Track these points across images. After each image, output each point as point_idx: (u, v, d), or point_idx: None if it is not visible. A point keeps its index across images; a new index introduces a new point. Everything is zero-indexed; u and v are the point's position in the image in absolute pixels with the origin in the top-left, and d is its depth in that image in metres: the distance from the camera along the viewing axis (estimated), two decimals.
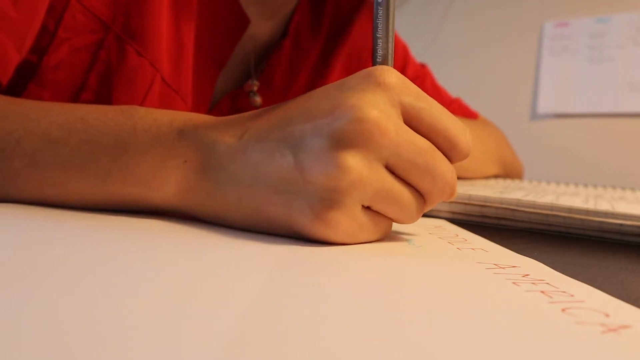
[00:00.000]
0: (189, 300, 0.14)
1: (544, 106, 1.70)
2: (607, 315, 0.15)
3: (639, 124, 1.56)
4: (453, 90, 0.71)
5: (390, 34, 0.25)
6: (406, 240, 0.26)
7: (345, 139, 0.22)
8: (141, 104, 0.39)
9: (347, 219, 0.22)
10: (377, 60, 0.25)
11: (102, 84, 0.38)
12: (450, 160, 0.25)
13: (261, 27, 0.50)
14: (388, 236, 0.26)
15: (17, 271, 0.16)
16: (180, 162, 0.25)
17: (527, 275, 0.20)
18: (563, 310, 0.15)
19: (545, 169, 1.57)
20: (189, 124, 0.26)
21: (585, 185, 0.67)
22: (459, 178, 0.61)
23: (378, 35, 0.25)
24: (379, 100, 0.23)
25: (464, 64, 1.81)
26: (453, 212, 0.38)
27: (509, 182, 0.63)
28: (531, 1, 1.73)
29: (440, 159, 0.24)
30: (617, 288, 0.21)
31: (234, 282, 0.16)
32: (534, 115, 1.73)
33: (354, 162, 0.22)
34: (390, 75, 0.23)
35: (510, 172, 0.74)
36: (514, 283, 0.19)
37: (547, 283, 0.19)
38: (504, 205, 0.36)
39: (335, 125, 0.22)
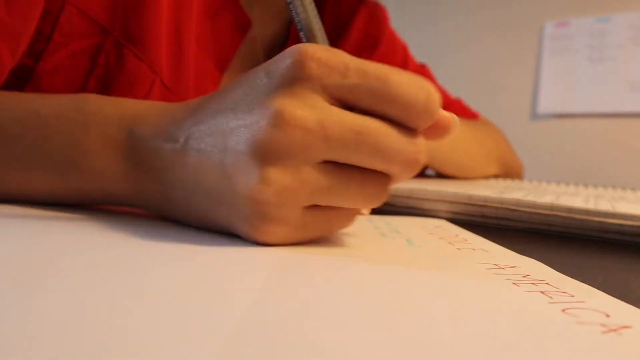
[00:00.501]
0: (187, 303, 0.14)
1: (544, 106, 1.70)
2: (607, 316, 0.15)
3: (639, 124, 1.56)
4: (453, 90, 0.71)
5: (308, 5, 0.24)
6: (406, 240, 0.26)
7: (266, 150, 0.20)
8: None
9: (284, 228, 0.21)
10: (301, 31, 0.24)
11: (101, 89, 0.37)
12: (415, 126, 0.22)
13: (263, 29, 0.49)
14: (353, 221, 0.24)
15: (17, 273, 0.16)
16: (132, 164, 0.25)
17: (527, 275, 0.20)
18: (563, 310, 0.15)
19: (545, 168, 1.57)
20: (137, 121, 0.25)
21: (586, 185, 0.67)
22: (458, 178, 0.61)
23: (294, 7, 0.24)
24: (298, 94, 0.21)
25: (464, 63, 1.81)
26: (453, 212, 0.38)
27: (509, 182, 0.63)
28: (532, 1, 1.73)
29: (389, 135, 0.21)
30: (617, 288, 0.21)
31: (229, 286, 0.16)
32: (534, 115, 1.73)
33: (276, 174, 0.20)
34: (306, 59, 0.21)
35: (510, 172, 0.73)
36: (514, 283, 0.19)
37: (547, 283, 0.19)
38: (504, 205, 0.36)
39: (255, 134, 0.20)
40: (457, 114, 0.24)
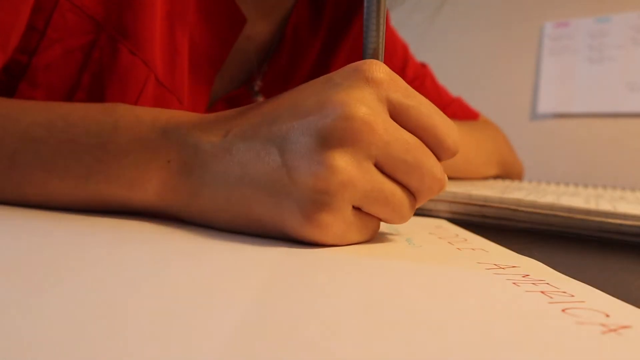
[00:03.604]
0: (186, 303, 0.14)
1: (544, 106, 1.70)
2: (607, 316, 0.15)
3: (639, 124, 1.56)
4: (453, 90, 0.71)
5: (382, 26, 0.25)
6: (406, 240, 0.26)
7: (333, 137, 0.21)
8: (135, 103, 0.38)
9: (338, 221, 0.22)
10: (368, 53, 0.25)
11: (95, 84, 0.37)
12: (438, 157, 0.24)
13: (258, 28, 0.49)
14: (375, 236, 0.25)
15: (17, 274, 0.16)
16: (164, 162, 0.25)
17: (527, 275, 0.20)
18: (563, 310, 0.15)
19: (545, 168, 1.57)
20: (172, 122, 0.25)
21: (586, 186, 0.67)
22: (457, 179, 0.61)
23: (369, 28, 0.25)
24: (367, 96, 0.22)
25: (464, 63, 1.81)
26: (453, 212, 0.38)
27: (509, 182, 0.63)
28: (531, 1, 1.73)
29: (427, 154, 0.23)
30: (617, 288, 0.21)
31: (228, 289, 0.16)
32: (534, 115, 1.73)
33: (343, 162, 0.21)
34: (378, 70, 0.23)
35: (510, 173, 0.73)
36: (514, 283, 0.19)
37: (547, 283, 0.19)
38: (504, 205, 0.36)
39: (323, 122, 0.21)
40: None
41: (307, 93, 0.23)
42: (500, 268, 0.21)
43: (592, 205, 0.35)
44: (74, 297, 0.14)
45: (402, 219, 0.24)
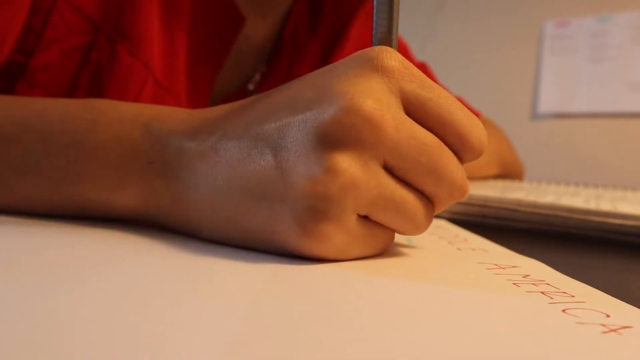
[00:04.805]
0: (183, 308, 0.14)
1: (544, 106, 1.70)
2: (607, 316, 0.15)
3: (639, 124, 1.56)
4: (453, 89, 0.71)
5: (395, 8, 0.22)
6: (406, 240, 0.26)
7: (334, 134, 0.18)
8: None
9: (340, 232, 0.19)
10: (377, 37, 0.22)
11: (93, 85, 0.37)
12: (461, 159, 0.21)
13: (258, 28, 0.49)
14: (388, 250, 0.22)
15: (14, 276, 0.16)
16: (144, 163, 0.22)
17: (528, 275, 0.20)
18: (564, 310, 0.15)
19: (545, 169, 1.57)
20: (156, 119, 0.23)
21: (586, 186, 0.67)
22: None
23: (379, 9, 0.21)
24: (376, 87, 0.19)
25: (464, 63, 1.81)
26: (453, 212, 0.38)
27: (509, 182, 0.63)
28: (532, 1, 1.73)
29: (447, 156, 0.20)
30: (617, 288, 0.21)
31: (226, 292, 0.16)
32: (534, 115, 1.73)
33: (345, 163, 0.18)
34: (390, 57, 0.20)
35: (510, 173, 0.73)
36: (514, 284, 0.18)
37: (548, 284, 0.19)
38: (504, 206, 0.36)
39: (322, 118, 0.19)
40: None
41: (306, 85, 0.21)
42: (501, 268, 0.21)
43: (592, 205, 0.35)
44: (72, 299, 0.14)
45: (418, 229, 0.21)
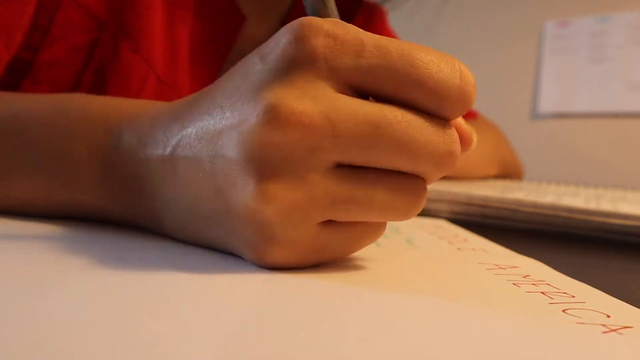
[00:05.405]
0: (181, 313, 0.14)
1: (544, 106, 1.70)
2: (608, 316, 0.15)
3: (639, 124, 1.56)
4: None
5: None
6: (406, 240, 0.26)
7: (259, 156, 0.16)
8: None
9: (294, 251, 0.17)
10: (308, 5, 0.19)
11: (96, 82, 0.38)
12: (443, 115, 0.18)
13: (259, 28, 0.49)
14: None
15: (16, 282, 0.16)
16: (120, 179, 0.22)
17: (528, 275, 0.20)
18: (564, 311, 0.15)
19: (545, 168, 1.57)
20: (126, 126, 0.22)
21: (586, 186, 0.67)
22: (457, 179, 0.61)
23: None
24: (297, 79, 0.16)
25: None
26: (453, 212, 0.38)
27: (509, 182, 0.63)
28: (532, 0, 1.73)
29: (415, 125, 0.17)
30: (618, 289, 0.21)
31: (222, 299, 0.16)
32: (535, 115, 1.73)
33: (276, 187, 0.16)
34: (313, 34, 0.16)
35: (510, 173, 0.73)
36: (514, 284, 0.18)
37: (548, 284, 0.19)
38: (504, 205, 0.36)
39: (244, 136, 0.16)
40: None
41: (231, 84, 0.18)
42: (501, 268, 0.21)
43: (592, 205, 0.35)
44: (72, 298, 0.14)
45: (404, 215, 0.18)
